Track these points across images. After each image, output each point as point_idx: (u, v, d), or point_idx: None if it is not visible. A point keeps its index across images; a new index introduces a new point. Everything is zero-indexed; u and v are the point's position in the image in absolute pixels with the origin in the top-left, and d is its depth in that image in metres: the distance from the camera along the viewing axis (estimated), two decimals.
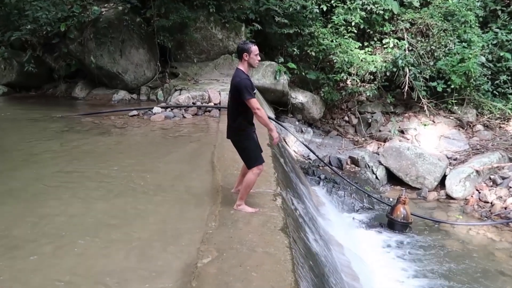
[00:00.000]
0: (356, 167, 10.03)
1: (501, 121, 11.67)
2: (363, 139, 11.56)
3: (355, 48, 11.41)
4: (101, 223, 4.12)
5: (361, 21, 11.47)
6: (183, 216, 4.31)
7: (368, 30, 12.02)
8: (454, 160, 10.22)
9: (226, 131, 4.38)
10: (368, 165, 10.04)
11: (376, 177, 9.89)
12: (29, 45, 11.37)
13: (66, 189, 4.94)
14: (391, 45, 11.65)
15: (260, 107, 4.13)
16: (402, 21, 11.91)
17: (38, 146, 6.75)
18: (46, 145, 6.82)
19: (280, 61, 11.20)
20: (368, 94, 11.72)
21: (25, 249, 3.64)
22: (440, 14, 11.88)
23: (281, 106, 11.41)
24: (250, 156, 4.27)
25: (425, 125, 11.38)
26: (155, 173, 5.54)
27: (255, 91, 4.19)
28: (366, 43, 11.98)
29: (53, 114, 8.90)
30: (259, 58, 4.26)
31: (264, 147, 6.20)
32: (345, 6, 11.56)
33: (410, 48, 11.71)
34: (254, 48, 4.14)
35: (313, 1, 11.53)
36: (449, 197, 9.11)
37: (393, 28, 12.02)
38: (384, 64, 11.31)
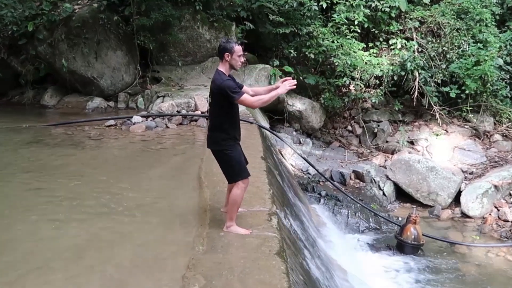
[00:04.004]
0: (361, 182, 10.07)
1: None
2: (368, 151, 11.62)
3: (359, 49, 11.53)
4: (73, 248, 4.10)
5: (365, 19, 11.60)
6: (167, 239, 4.30)
7: (373, 30, 12.17)
8: (470, 174, 10.30)
9: (206, 140, 4.39)
10: (374, 180, 10.09)
11: (383, 194, 9.93)
12: None
13: (34, 210, 4.91)
14: (399, 46, 11.79)
15: (253, 98, 4.17)
16: (411, 19, 12.07)
17: (2, 160, 6.71)
18: (11, 159, 6.79)
19: (275, 64, 11.29)
20: (373, 101, 11.81)
21: None
22: (452, 12, 12.05)
23: (277, 115, 11.46)
24: (234, 169, 4.28)
25: (437, 135, 11.47)
26: (134, 191, 5.53)
27: (239, 86, 4.21)
28: (370, 44, 12.11)
29: (19, 124, 8.86)
30: (243, 60, 4.28)
31: (258, 161, 6.26)
32: (347, 3, 11.69)
33: (420, 50, 11.84)
34: (238, 48, 4.17)
35: None
36: (464, 215, 9.17)
37: (401, 27, 12.17)
38: (391, 67, 11.43)
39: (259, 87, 4.61)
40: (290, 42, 11.72)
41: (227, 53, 4.14)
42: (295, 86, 4.21)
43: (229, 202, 4.35)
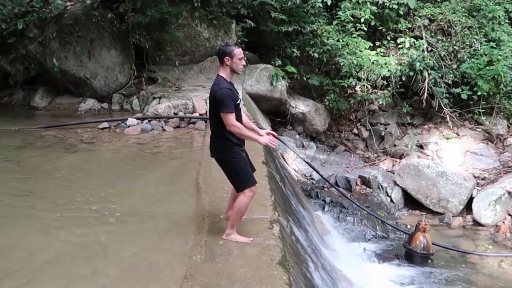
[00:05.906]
0: (368, 188, 10.07)
1: None
2: (375, 155, 11.62)
3: (365, 48, 11.54)
4: (64, 257, 4.11)
5: (372, 17, 11.62)
6: (163, 248, 4.31)
7: (380, 28, 12.18)
8: (482, 179, 10.29)
9: (209, 148, 4.41)
10: (381, 186, 10.08)
11: (391, 200, 9.92)
12: None
13: (24, 217, 4.92)
14: (407, 45, 11.80)
15: (236, 124, 4.11)
16: (420, 17, 12.09)
17: None
18: (0, 164, 6.80)
19: (277, 64, 11.28)
20: (380, 103, 11.82)
21: None
22: (463, 9, 12.08)
23: (279, 117, 11.47)
24: (240, 176, 4.28)
25: (447, 138, 11.46)
26: (129, 196, 5.55)
27: (238, 102, 4.21)
28: (378, 43, 12.12)
29: (8, 126, 8.89)
30: (244, 63, 4.30)
31: (259, 165, 6.25)
32: (353, 0, 11.70)
33: (429, 49, 11.86)
34: (238, 51, 4.18)
35: None
36: (476, 223, 9.16)
37: (409, 26, 12.19)
38: (399, 67, 11.44)
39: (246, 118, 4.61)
40: (293, 40, 11.74)
41: (227, 57, 4.15)
42: (274, 146, 4.36)
43: (233, 209, 4.34)
